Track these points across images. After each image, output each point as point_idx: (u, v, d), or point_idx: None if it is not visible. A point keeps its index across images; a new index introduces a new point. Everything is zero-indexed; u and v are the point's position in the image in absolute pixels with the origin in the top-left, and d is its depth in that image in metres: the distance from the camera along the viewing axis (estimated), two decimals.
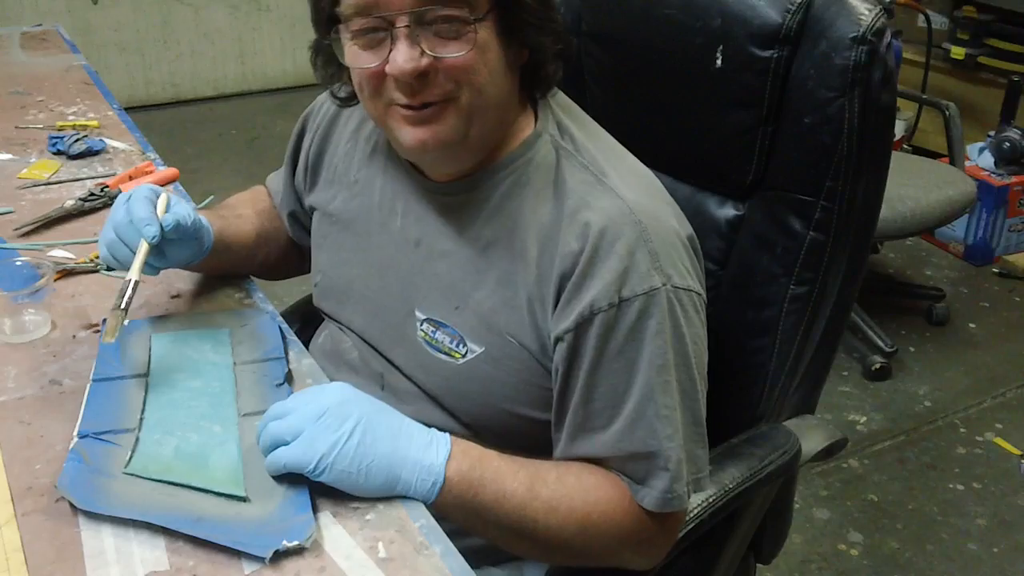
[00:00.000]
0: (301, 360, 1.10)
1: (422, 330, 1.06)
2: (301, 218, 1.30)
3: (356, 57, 0.96)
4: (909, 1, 3.39)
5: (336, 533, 0.86)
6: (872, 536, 2.13)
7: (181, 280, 1.23)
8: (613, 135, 1.09)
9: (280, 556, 0.82)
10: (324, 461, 0.87)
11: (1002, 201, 3.20)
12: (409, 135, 0.97)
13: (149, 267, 1.05)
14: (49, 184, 1.51)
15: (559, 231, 0.97)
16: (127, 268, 1.03)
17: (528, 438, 1.03)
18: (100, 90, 1.91)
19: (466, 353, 1.03)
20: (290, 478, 0.89)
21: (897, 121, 3.20)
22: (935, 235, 3.35)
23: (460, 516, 0.93)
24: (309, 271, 1.27)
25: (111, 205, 1.14)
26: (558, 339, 0.97)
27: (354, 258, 1.15)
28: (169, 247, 1.07)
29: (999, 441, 2.45)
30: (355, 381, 1.07)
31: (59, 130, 1.69)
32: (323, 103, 1.24)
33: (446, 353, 1.04)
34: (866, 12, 1.08)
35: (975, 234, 3.26)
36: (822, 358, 1.25)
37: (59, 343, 1.11)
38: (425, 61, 0.92)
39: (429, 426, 0.95)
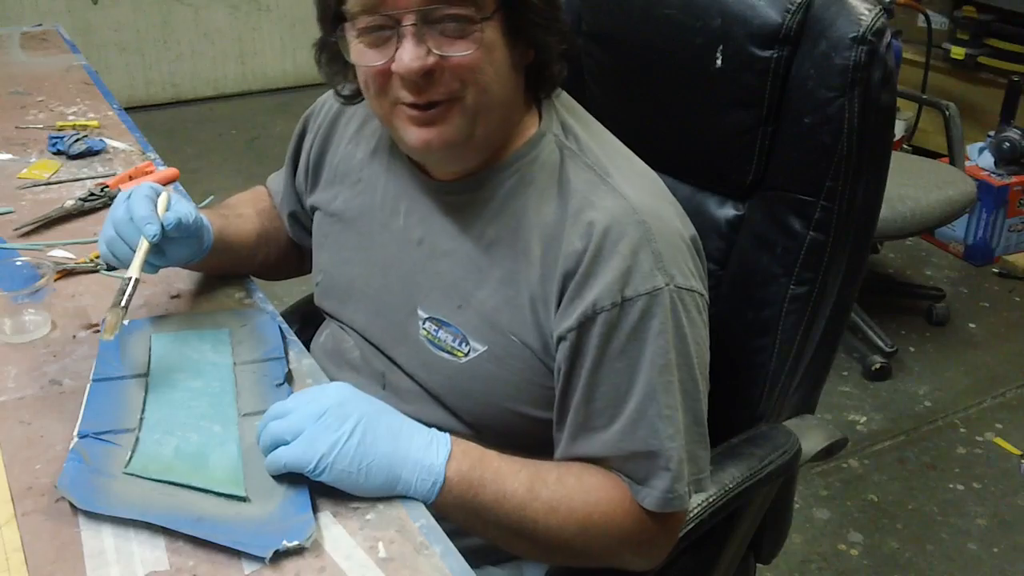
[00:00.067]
0: (301, 360, 1.10)
1: (424, 329, 1.06)
2: (301, 218, 1.30)
3: (362, 55, 0.96)
4: (909, 1, 3.38)
5: (336, 533, 0.85)
6: (872, 536, 2.13)
7: (181, 280, 1.23)
8: (613, 135, 1.09)
9: (280, 556, 0.82)
10: (324, 461, 0.87)
11: (1002, 201, 3.20)
12: (414, 135, 0.97)
13: (149, 265, 1.05)
14: (49, 184, 1.51)
15: (563, 230, 0.97)
16: (127, 266, 1.03)
17: (530, 437, 1.03)
18: (100, 90, 1.91)
19: (468, 352, 1.03)
20: (290, 478, 0.89)
21: (897, 121, 3.20)
22: (935, 235, 3.35)
23: (460, 516, 0.93)
24: (309, 272, 1.27)
25: (111, 205, 1.14)
26: (560, 338, 0.97)
27: (356, 257, 1.15)
28: (169, 246, 1.07)
29: (999, 441, 2.44)
30: (357, 380, 1.07)
31: (59, 130, 1.69)
32: (324, 104, 1.24)
33: (448, 352, 1.04)
34: (866, 12, 1.08)
35: (975, 234, 3.26)
36: (822, 358, 1.25)
37: (59, 343, 1.11)
38: (431, 60, 0.92)
39: (431, 425, 0.95)
